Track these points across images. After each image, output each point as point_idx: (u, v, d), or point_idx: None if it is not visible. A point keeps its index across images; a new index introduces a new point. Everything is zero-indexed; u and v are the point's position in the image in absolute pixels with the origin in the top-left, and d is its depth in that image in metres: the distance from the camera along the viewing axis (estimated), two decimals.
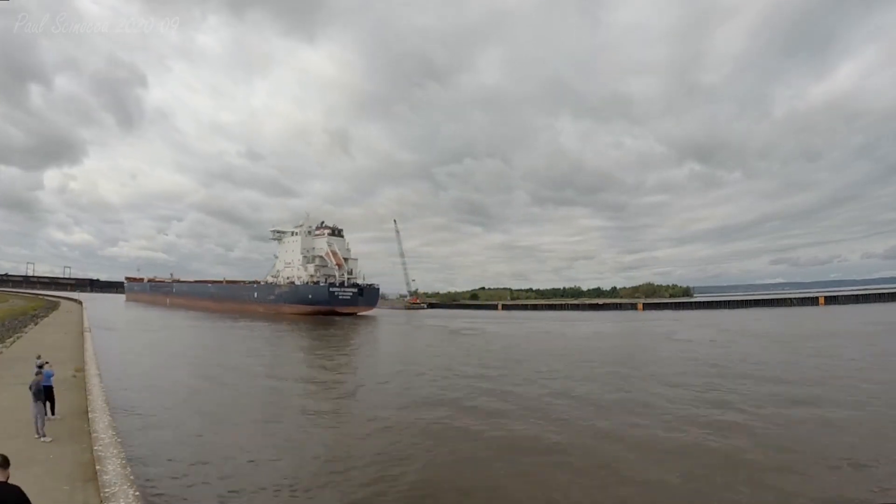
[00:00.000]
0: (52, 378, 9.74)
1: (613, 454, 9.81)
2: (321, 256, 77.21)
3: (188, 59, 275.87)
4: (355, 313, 72.27)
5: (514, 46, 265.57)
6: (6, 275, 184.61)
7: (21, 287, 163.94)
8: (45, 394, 8.90)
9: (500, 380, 18.42)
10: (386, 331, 46.87)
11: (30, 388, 8.71)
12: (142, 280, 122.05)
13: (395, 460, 9.60)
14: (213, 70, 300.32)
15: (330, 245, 77.76)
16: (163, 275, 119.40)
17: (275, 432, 11.65)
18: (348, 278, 75.91)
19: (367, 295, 75.86)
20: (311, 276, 75.24)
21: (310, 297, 70.65)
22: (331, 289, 70.56)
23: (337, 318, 62.96)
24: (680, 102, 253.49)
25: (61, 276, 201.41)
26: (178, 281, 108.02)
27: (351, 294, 72.60)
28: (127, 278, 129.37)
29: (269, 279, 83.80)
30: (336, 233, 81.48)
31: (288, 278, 78.58)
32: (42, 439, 8.38)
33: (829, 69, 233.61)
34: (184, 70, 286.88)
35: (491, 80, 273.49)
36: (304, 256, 78.29)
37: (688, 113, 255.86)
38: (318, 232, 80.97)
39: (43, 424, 8.60)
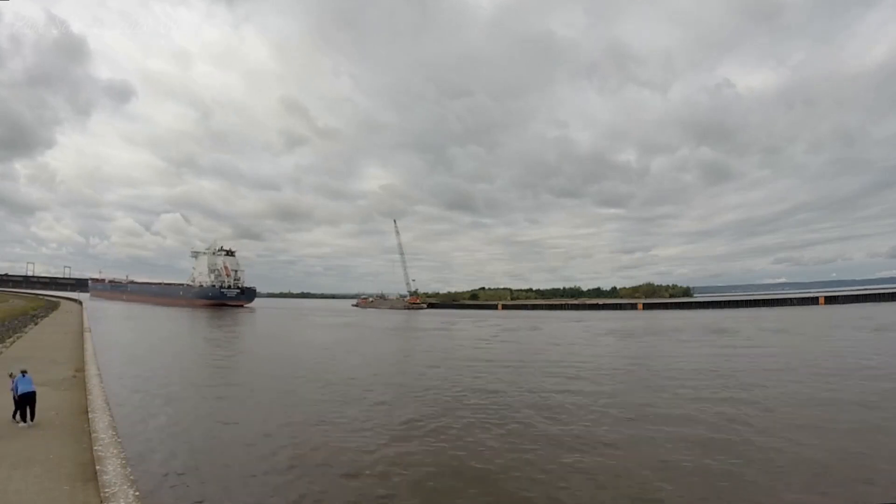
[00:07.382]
0: None
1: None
2: (218, 269, 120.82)
3: None
4: (241, 305, 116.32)
5: None
6: (6, 275, 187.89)
7: (21, 287, 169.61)
8: None
9: None
10: (257, 319, 72.76)
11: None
12: (103, 280, 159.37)
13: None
14: None
15: (224, 262, 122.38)
16: (120, 276, 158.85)
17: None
18: (235, 283, 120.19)
19: (248, 294, 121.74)
20: (212, 282, 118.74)
21: (209, 295, 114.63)
22: (221, 290, 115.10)
23: (226, 309, 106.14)
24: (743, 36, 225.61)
25: (60, 276, 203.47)
26: (133, 282, 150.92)
27: (236, 293, 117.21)
28: (91, 279, 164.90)
29: (190, 282, 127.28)
30: (230, 253, 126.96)
31: (199, 283, 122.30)
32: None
33: None
34: None
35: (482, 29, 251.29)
36: (209, 269, 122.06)
37: (751, 52, 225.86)
38: (218, 252, 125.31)
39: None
